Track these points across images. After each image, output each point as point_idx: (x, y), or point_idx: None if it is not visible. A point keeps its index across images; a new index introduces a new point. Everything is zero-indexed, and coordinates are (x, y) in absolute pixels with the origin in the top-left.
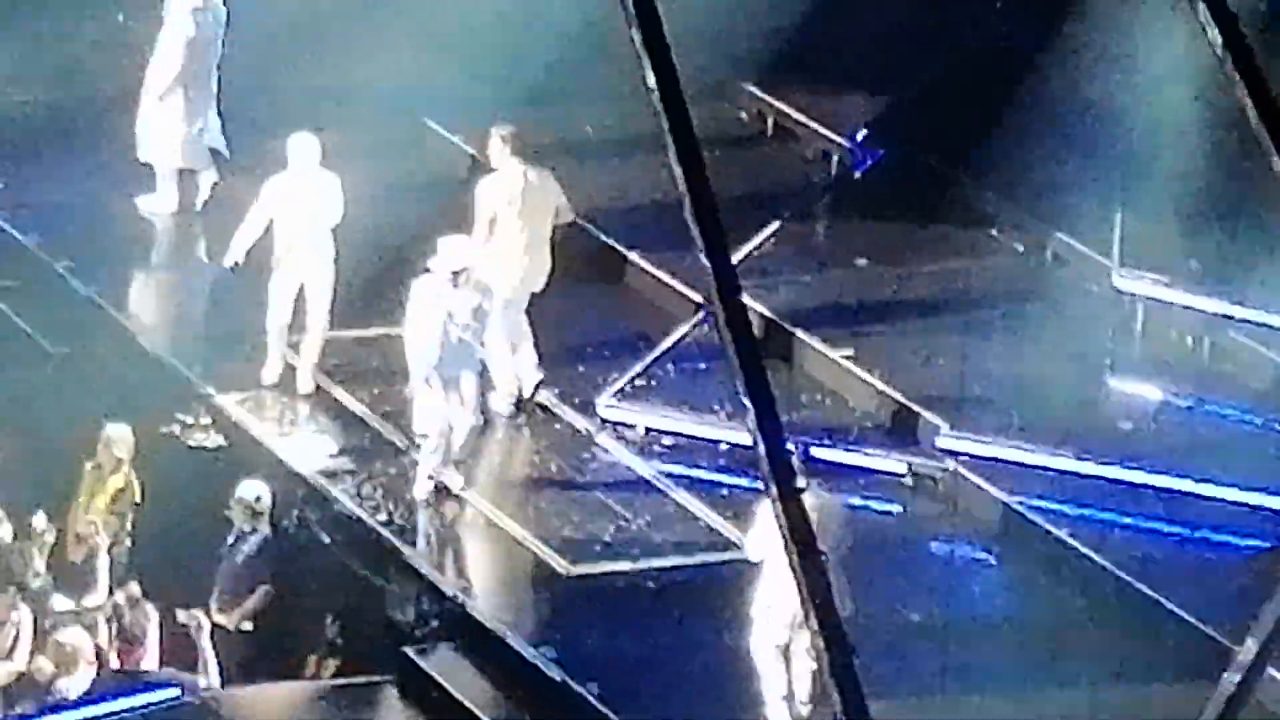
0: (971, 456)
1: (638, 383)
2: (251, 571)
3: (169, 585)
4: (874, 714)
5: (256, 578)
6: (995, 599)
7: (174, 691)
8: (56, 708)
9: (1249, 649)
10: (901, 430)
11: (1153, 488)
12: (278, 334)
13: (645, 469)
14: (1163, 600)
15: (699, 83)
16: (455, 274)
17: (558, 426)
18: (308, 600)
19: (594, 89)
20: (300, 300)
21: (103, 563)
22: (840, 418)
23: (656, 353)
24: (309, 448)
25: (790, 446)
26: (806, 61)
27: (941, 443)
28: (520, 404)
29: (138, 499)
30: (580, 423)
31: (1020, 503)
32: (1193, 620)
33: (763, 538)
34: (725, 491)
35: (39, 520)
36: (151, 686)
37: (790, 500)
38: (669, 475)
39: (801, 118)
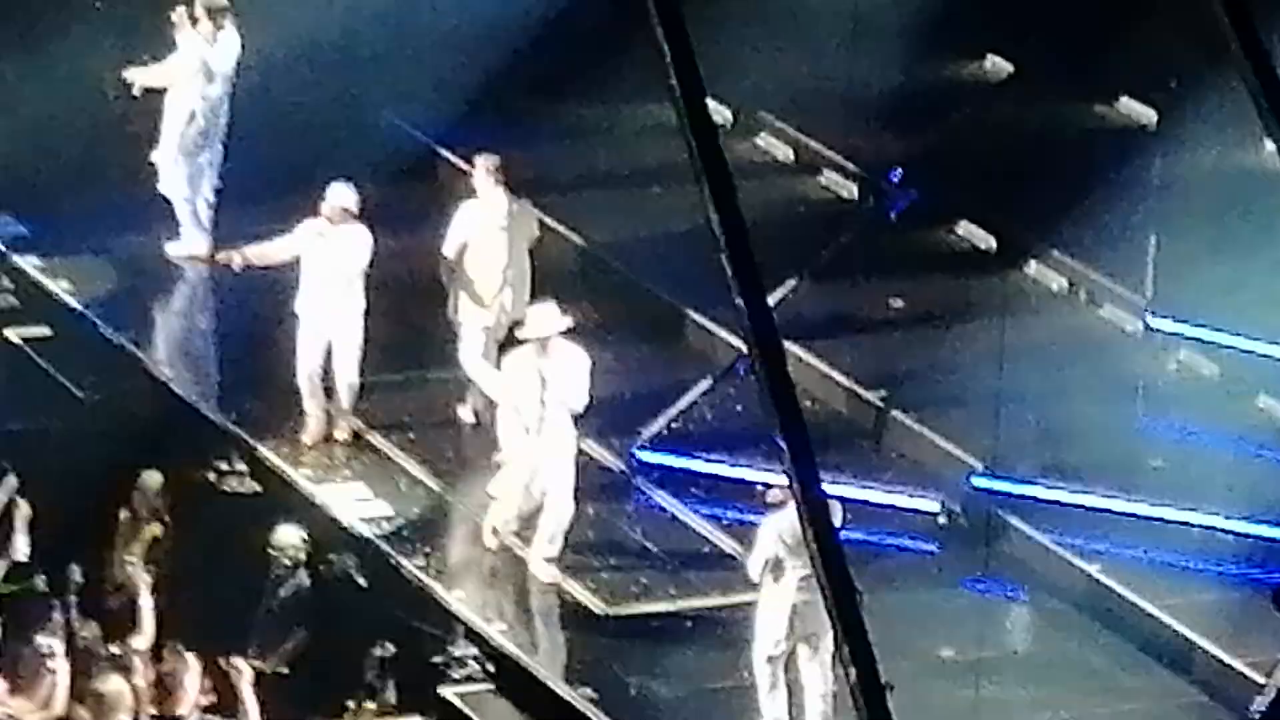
0: (1006, 496)
1: (674, 425)
2: (289, 616)
3: (206, 632)
4: None
5: (294, 622)
6: (1029, 638)
7: None
8: None
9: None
10: (936, 470)
11: (1185, 524)
12: (309, 385)
13: (682, 510)
14: (1198, 639)
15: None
16: (545, 341)
17: (595, 468)
18: (346, 644)
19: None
20: (330, 349)
21: (144, 608)
22: (875, 458)
23: (694, 395)
24: (345, 492)
25: (826, 488)
26: (822, 92)
27: (976, 482)
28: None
29: (172, 546)
30: (617, 464)
31: (1054, 542)
32: (1228, 659)
33: (760, 558)
34: None
35: (75, 569)
36: None
37: (827, 542)
38: (706, 516)
39: (830, 153)
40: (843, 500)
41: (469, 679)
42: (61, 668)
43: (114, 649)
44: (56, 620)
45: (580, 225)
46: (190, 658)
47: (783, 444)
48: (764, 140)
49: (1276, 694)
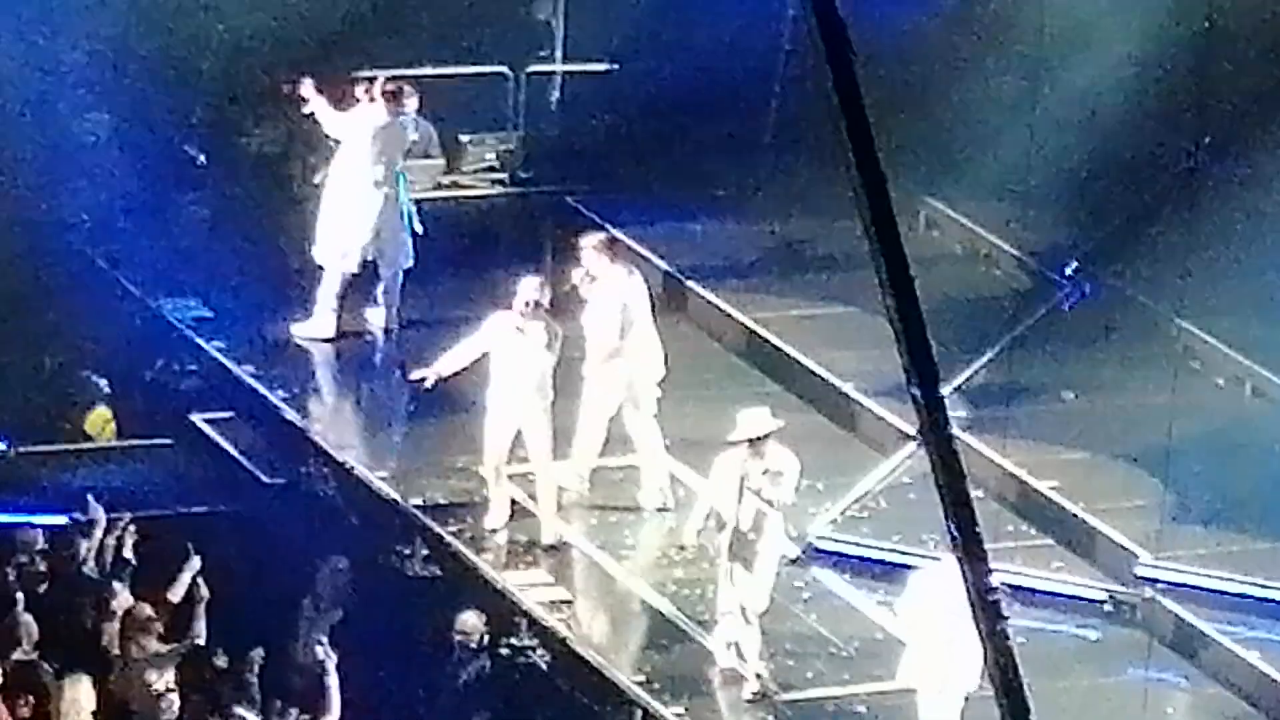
0: (1171, 584)
1: (850, 512)
2: (471, 700)
3: (389, 716)
4: None
5: (476, 706)
6: None
7: None
8: None
9: None
10: (1102, 558)
11: None
12: (494, 475)
13: (857, 597)
14: None
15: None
16: (755, 442)
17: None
18: None
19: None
20: (519, 441)
21: (331, 690)
22: (1043, 545)
23: (870, 482)
24: (526, 578)
25: (994, 578)
26: (1000, 183)
27: (1140, 570)
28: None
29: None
30: (793, 550)
31: (1220, 631)
32: None
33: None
34: None
35: (258, 651)
36: None
37: (994, 627)
38: (880, 603)
39: (1005, 244)
40: (1011, 587)
41: None
42: None
43: None
44: (239, 703)
45: (751, 309)
46: None
47: (953, 531)
48: (941, 231)
49: None
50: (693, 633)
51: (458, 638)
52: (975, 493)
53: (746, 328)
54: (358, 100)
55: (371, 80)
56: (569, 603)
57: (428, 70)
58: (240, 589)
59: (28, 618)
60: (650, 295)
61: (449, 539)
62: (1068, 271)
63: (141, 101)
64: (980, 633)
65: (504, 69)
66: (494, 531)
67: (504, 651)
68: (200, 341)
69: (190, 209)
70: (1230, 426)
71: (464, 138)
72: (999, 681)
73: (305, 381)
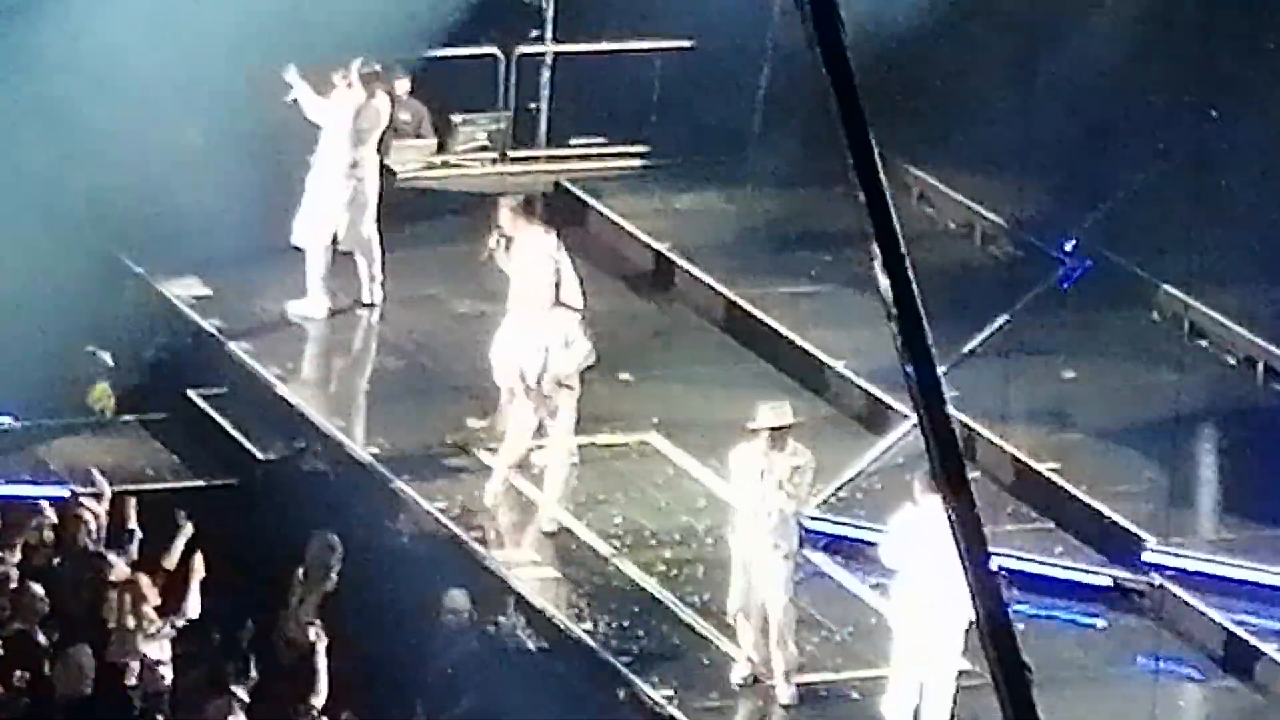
0: (1178, 571)
1: (841, 494)
2: (458, 678)
3: (376, 692)
4: None
5: (463, 685)
6: (1201, 715)
7: None
8: None
9: None
10: (1107, 543)
11: None
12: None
13: (850, 580)
14: None
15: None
16: (775, 433)
17: None
18: (514, 706)
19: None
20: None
21: (319, 666)
22: (1046, 530)
23: (863, 463)
24: (513, 556)
25: (994, 559)
26: (998, 160)
27: (1148, 556)
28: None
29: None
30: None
31: (1229, 618)
32: None
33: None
34: None
35: (249, 626)
36: None
37: (996, 615)
38: (873, 586)
39: (1003, 221)
40: (1012, 573)
41: None
42: None
43: (288, 708)
44: (230, 676)
45: (740, 287)
46: None
47: (950, 514)
48: (935, 206)
49: None
50: (681, 614)
51: (446, 616)
52: (972, 474)
53: (736, 306)
54: (335, 85)
55: (349, 65)
56: (558, 580)
57: (419, 53)
58: (232, 563)
59: (36, 588)
60: (638, 272)
61: (439, 515)
62: (1067, 247)
63: (144, 83)
64: (980, 621)
65: (494, 50)
66: (485, 510)
67: (491, 630)
68: (198, 319)
69: (190, 190)
70: (1240, 406)
71: (455, 118)
72: (1001, 671)
73: (299, 358)
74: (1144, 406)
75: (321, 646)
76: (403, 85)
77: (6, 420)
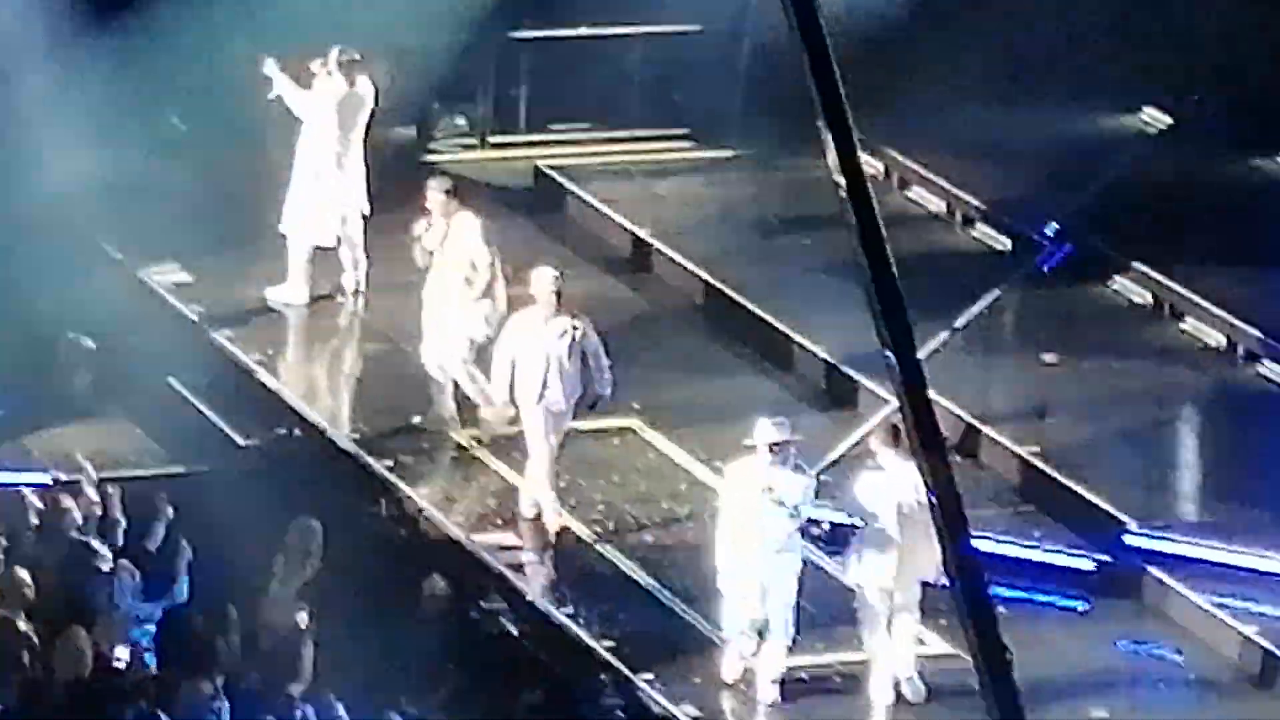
0: (1159, 554)
1: (825, 478)
2: (440, 662)
3: (357, 676)
4: None
5: (445, 668)
6: (1183, 699)
7: None
8: None
9: None
10: (1088, 527)
11: None
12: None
13: (828, 563)
14: None
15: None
16: (775, 448)
17: None
18: (495, 690)
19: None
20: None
21: (304, 652)
22: (1026, 514)
23: (842, 448)
24: (496, 540)
25: (975, 543)
26: (977, 145)
27: (1129, 540)
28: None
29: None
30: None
31: (1210, 601)
32: None
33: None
34: None
35: (232, 610)
36: None
37: (977, 598)
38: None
39: (983, 205)
40: (993, 556)
41: None
42: (222, 708)
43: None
44: (216, 661)
45: (719, 271)
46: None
47: (932, 498)
48: (917, 192)
49: None
50: (664, 599)
51: (426, 600)
52: (953, 459)
53: (716, 290)
54: (315, 75)
55: (328, 54)
56: (539, 565)
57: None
58: (214, 549)
59: (22, 574)
60: (618, 257)
61: (419, 501)
62: (1048, 231)
63: (124, 71)
64: (962, 604)
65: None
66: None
67: (473, 614)
68: (180, 305)
69: (171, 177)
70: (1221, 390)
71: (435, 105)
72: (983, 655)
73: (280, 345)
74: (1124, 389)
75: (309, 630)
76: (377, 73)
77: None
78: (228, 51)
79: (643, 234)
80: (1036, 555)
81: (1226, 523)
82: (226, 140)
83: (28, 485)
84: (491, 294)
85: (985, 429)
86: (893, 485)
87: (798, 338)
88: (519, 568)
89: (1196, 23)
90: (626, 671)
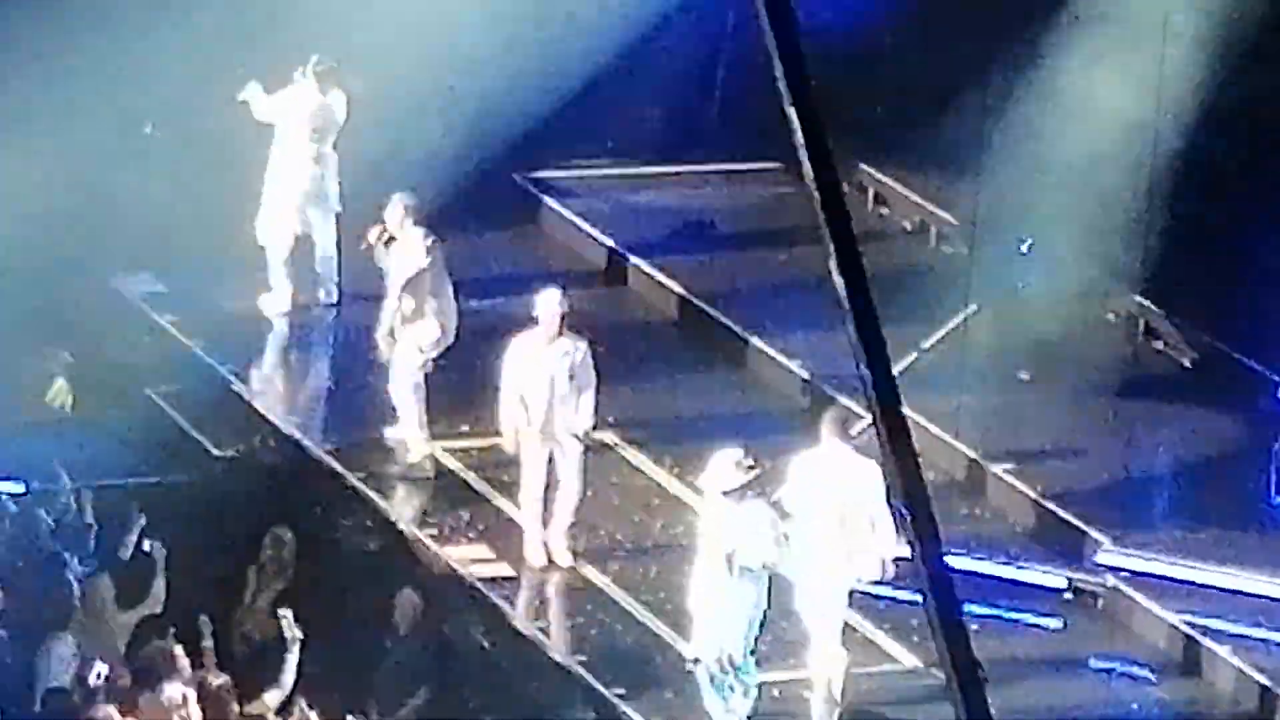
0: (1133, 573)
1: None
2: (411, 675)
3: (330, 688)
4: None
5: (416, 682)
6: (1155, 717)
7: None
8: None
9: None
10: (1062, 545)
11: None
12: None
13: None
14: None
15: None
16: (732, 492)
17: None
18: (466, 705)
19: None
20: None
21: (287, 661)
22: (1000, 531)
23: None
24: (468, 553)
25: (950, 559)
26: (951, 159)
27: (1102, 558)
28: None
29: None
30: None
31: (1184, 620)
32: None
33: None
34: (882, 605)
35: (205, 621)
36: None
37: (950, 616)
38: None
39: (957, 221)
40: (967, 574)
41: None
42: (194, 717)
43: (249, 707)
44: (187, 670)
45: (695, 285)
46: (313, 715)
47: (905, 512)
48: (890, 206)
49: None
50: (636, 614)
51: (398, 613)
52: (927, 475)
53: (690, 304)
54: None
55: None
56: (511, 579)
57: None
58: (188, 559)
59: None
60: (591, 270)
61: (393, 514)
62: (1022, 249)
63: (97, 79)
64: (933, 622)
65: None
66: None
67: (445, 628)
68: (155, 316)
69: (144, 187)
70: (1196, 408)
71: None
72: (954, 673)
73: (255, 355)
74: (1098, 407)
75: (292, 639)
76: (350, 82)
77: None
78: (202, 58)
79: (617, 246)
80: (1010, 572)
81: (1200, 541)
82: (201, 149)
83: (2, 494)
84: (426, 315)
85: (958, 444)
86: (831, 472)
87: (773, 353)
88: (492, 581)
89: None
90: (599, 687)
